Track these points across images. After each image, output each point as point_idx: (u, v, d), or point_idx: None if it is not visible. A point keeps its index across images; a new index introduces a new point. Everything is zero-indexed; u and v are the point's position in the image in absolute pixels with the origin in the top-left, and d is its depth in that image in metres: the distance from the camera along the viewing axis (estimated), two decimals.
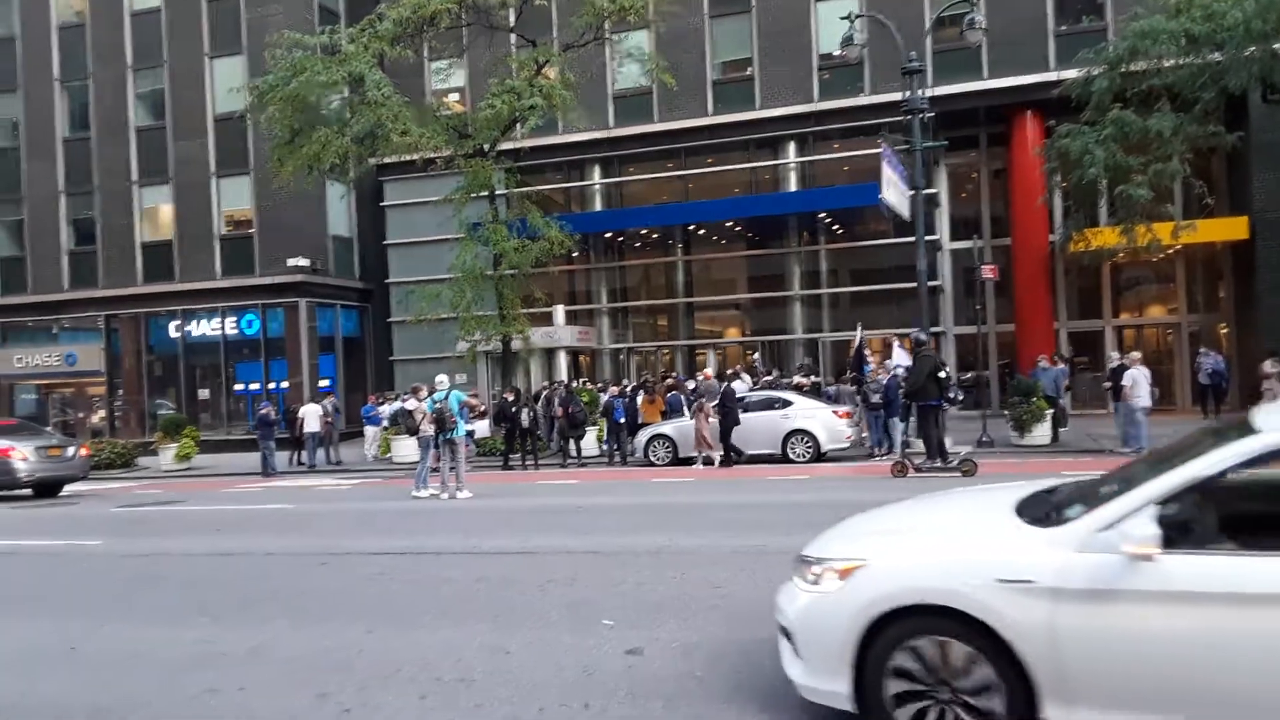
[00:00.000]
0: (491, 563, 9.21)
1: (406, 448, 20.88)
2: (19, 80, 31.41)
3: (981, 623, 3.78)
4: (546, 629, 6.46)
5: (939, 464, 14.25)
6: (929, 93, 19.15)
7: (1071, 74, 19.95)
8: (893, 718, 3.97)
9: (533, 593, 7.65)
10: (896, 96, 18.57)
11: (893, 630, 3.99)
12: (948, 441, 15.65)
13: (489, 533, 11.08)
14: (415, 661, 5.86)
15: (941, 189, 25.43)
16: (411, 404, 16.32)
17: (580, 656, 5.77)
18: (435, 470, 15.49)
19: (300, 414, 22.70)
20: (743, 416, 18.18)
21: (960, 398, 15.87)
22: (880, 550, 4.30)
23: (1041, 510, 4.26)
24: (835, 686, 4.12)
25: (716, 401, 17.85)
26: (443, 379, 15.74)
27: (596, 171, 28.19)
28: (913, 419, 16.21)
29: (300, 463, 22.64)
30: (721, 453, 17.72)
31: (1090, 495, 4.15)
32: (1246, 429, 3.87)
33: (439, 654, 5.99)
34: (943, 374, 14.68)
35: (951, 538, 4.31)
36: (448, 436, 15.11)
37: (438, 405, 15.14)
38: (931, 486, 13.25)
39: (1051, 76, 22.19)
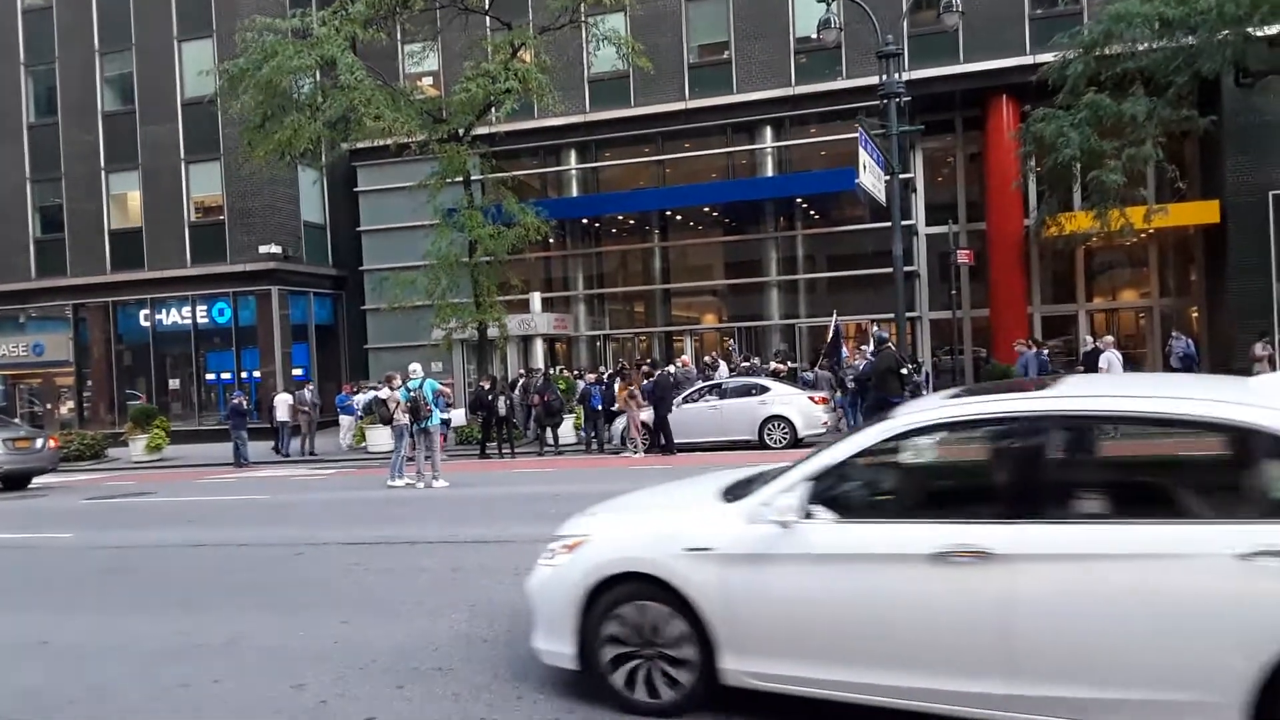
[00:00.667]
0: (468, 551, 9.13)
1: (381, 437, 20.69)
2: None
3: (673, 586, 4.38)
4: (524, 618, 6.40)
5: None
6: (905, 77, 19.17)
7: (1047, 58, 20.00)
8: (610, 675, 4.56)
9: (509, 580, 7.59)
10: (873, 80, 18.57)
11: (607, 596, 4.57)
12: None
13: (466, 521, 11.00)
14: (391, 651, 5.79)
15: (917, 174, 25.46)
16: (385, 393, 16.17)
17: None
18: (411, 459, 15.37)
19: (274, 403, 22.51)
20: (720, 403, 18.18)
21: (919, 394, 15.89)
22: (601, 526, 4.93)
23: (740, 491, 4.73)
24: (563, 648, 4.71)
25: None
26: (416, 367, 15.59)
27: (573, 156, 27.99)
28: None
29: (277, 451, 22.48)
30: (648, 441, 18.08)
31: (775, 475, 4.61)
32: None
33: (416, 644, 5.92)
34: (904, 370, 14.78)
35: (659, 515, 5.01)
36: (422, 425, 14.99)
37: (412, 394, 15.01)
38: None
39: (1027, 60, 22.25)
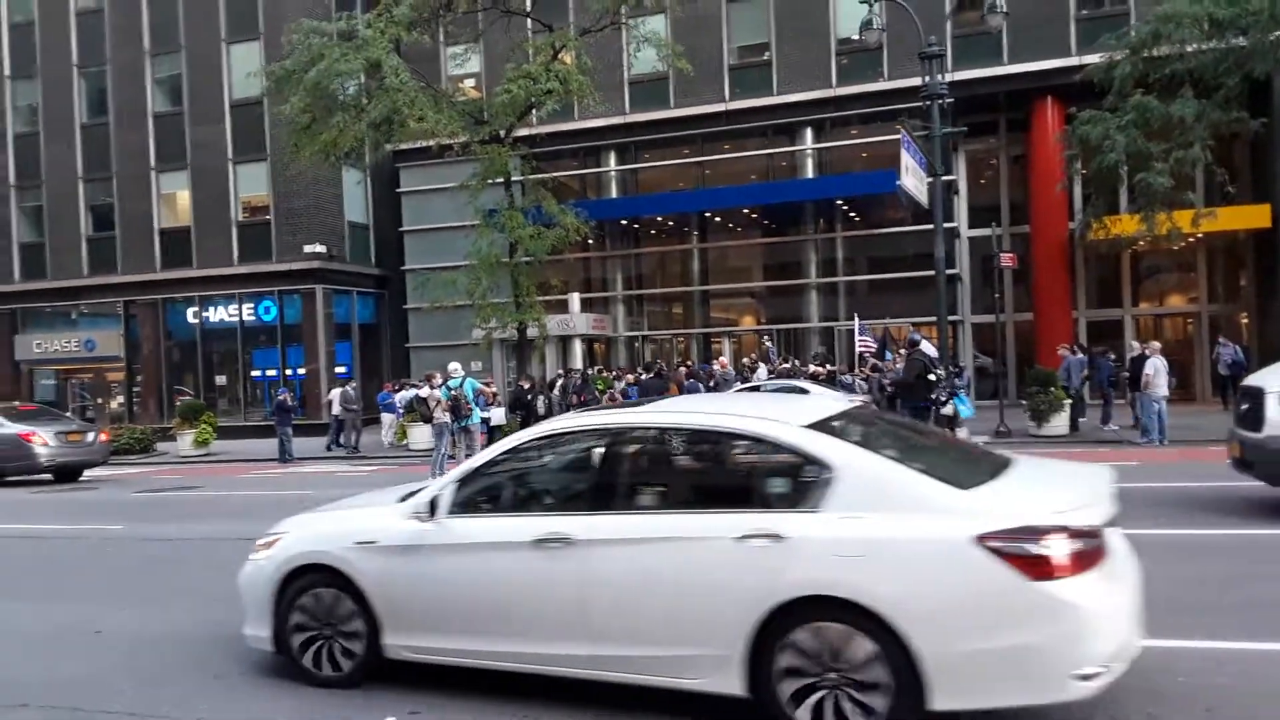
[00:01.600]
0: None
1: (422, 434, 20.93)
2: (38, 66, 31.55)
3: (345, 573, 5.14)
4: None
5: None
6: (949, 78, 18.99)
7: (1093, 59, 19.72)
8: (300, 656, 5.29)
9: None
10: (916, 82, 18.41)
11: (296, 585, 5.31)
12: (964, 432, 15.59)
13: None
14: None
15: (960, 176, 25.23)
16: (426, 391, 16.35)
17: None
18: (453, 457, 15.53)
19: (328, 397, 22.89)
20: None
21: (944, 400, 15.58)
22: (295, 525, 5.69)
23: (414, 494, 5.37)
24: (261, 632, 5.44)
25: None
26: (456, 366, 15.76)
27: (612, 158, 28.10)
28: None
29: (340, 444, 22.84)
30: None
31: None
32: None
33: None
34: (933, 376, 14.64)
35: (342, 514, 5.75)
36: (463, 424, 15.15)
37: (453, 393, 15.17)
38: None
39: (1073, 61, 21.95)
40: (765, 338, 27.04)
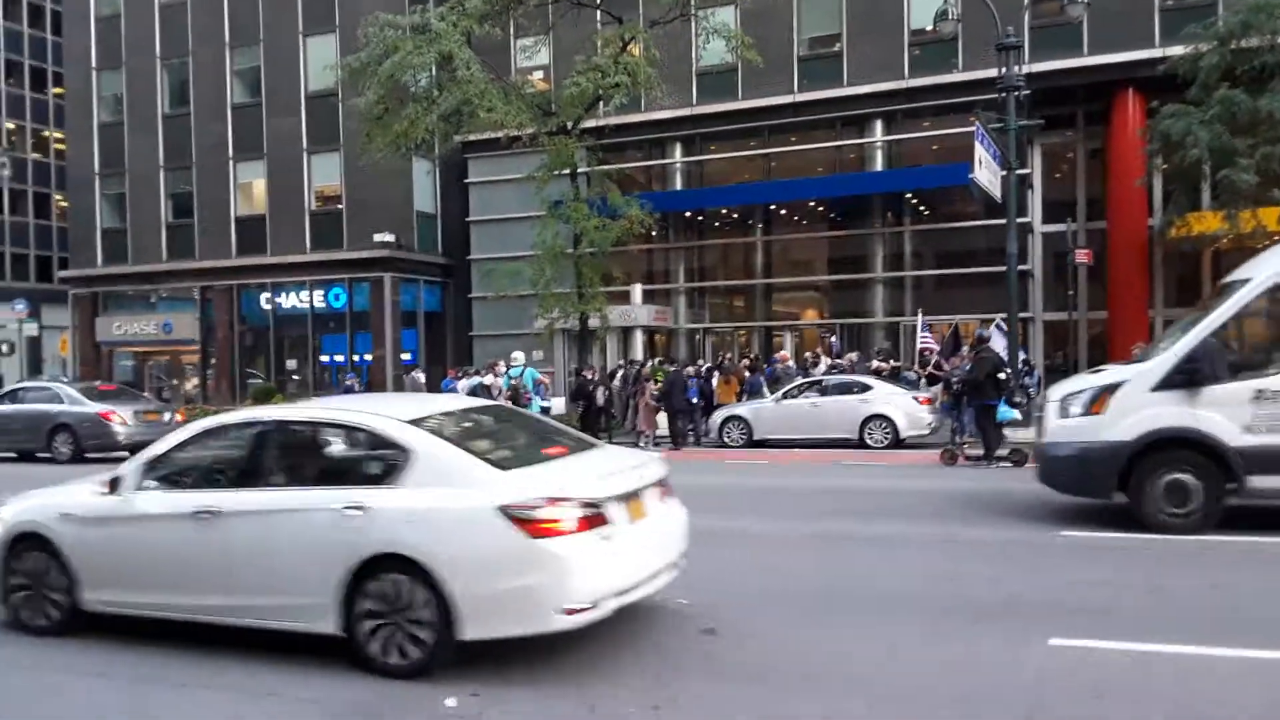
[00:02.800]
0: None
1: None
2: (123, 57, 32.60)
3: (48, 539, 6.09)
4: None
5: (989, 462, 14.00)
6: (1025, 69, 18.56)
7: (1178, 50, 19.08)
8: (15, 608, 6.28)
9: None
10: (991, 73, 18.04)
11: (15, 550, 6.26)
12: (1033, 431, 15.23)
13: None
14: None
15: (1035, 170, 24.61)
16: (489, 379, 16.52)
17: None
18: None
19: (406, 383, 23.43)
20: (820, 400, 17.96)
21: (1020, 401, 15.35)
22: (14, 504, 6.57)
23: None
24: None
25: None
26: (519, 355, 15.88)
27: (678, 150, 28.02)
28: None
29: None
30: (655, 435, 18.87)
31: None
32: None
33: None
34: (1002, 375, 14.32)
35: (54, 491, 6.61)
36: None
37: (513, 381, 15.31)
38: (970, 475, 12.94)
39: (1156, 53, 21.24)
40: (829, 332, 26.73)
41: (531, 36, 26.07)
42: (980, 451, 14.31)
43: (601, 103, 21.55)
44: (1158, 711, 4.36)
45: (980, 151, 15.95)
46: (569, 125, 21.57)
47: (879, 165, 25.89)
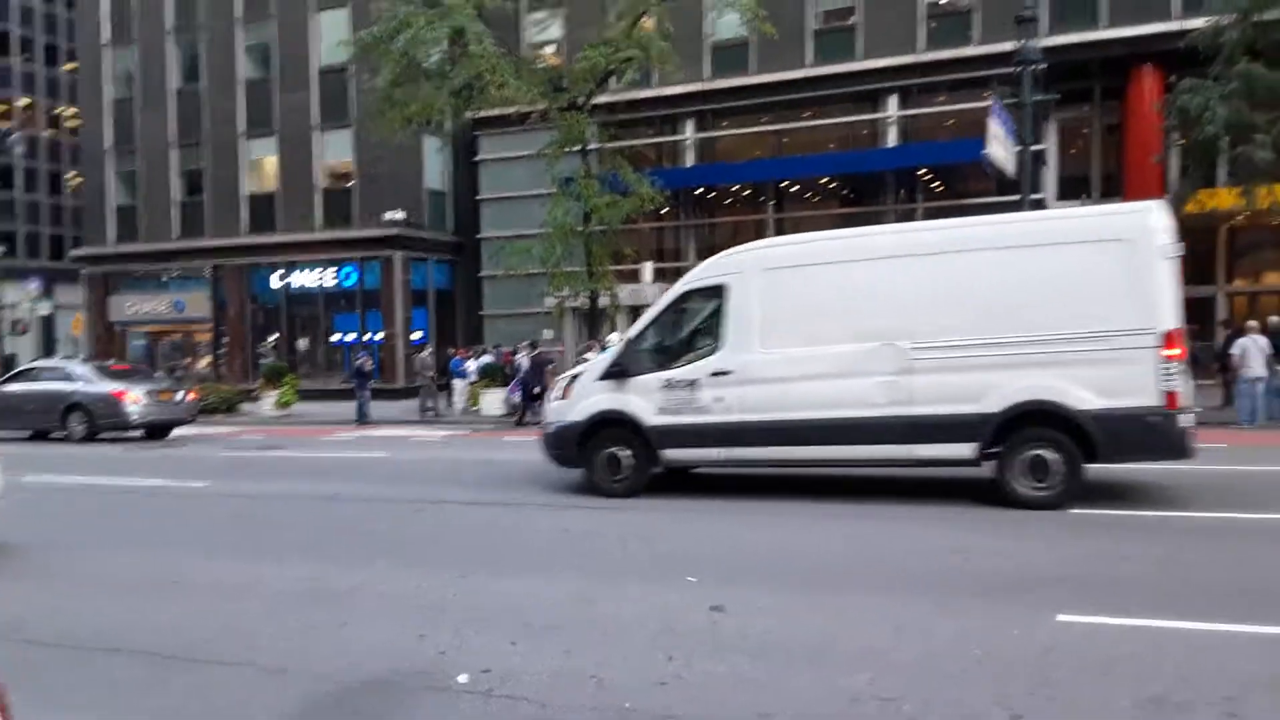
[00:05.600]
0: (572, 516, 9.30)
1: (494, 400, 21.28)
2: (134, 33, 32.50)
3: None
4: (633, 583, 6.48)
5: None
6: (1042, 43, 18.29)
7: (1197, 24, 18.76)
8: None
9: (613, 542, 7.69)
10: (1007, 47, 17.78)
11: None
12: None
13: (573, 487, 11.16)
14: (505, 608, 5.93)
15: (1050, 145, 24.32)
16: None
17: (658, 609, 5.75)
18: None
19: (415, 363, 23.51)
20: None
21: None
22: None
23: None
24: None
25: None
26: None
27: (690, 126, 27.80)
28: None
29: (428, 409, 23.00)
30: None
31: None
32: None
33: (528, 602, 6.05)
34: None
35: None
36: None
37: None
38: None
39: (1175, 26, 20.94)
40: None
41: (544, 10, 25.84)
42: None
43: (613, 77, 21.37)
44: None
45: (995, 127, 15.76)
46: (580, 101, 21.41)
47: (892, 141, 25.65)
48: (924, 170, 25.76)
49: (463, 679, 4.68)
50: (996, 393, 8.50)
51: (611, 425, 10.05)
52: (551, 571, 6.83)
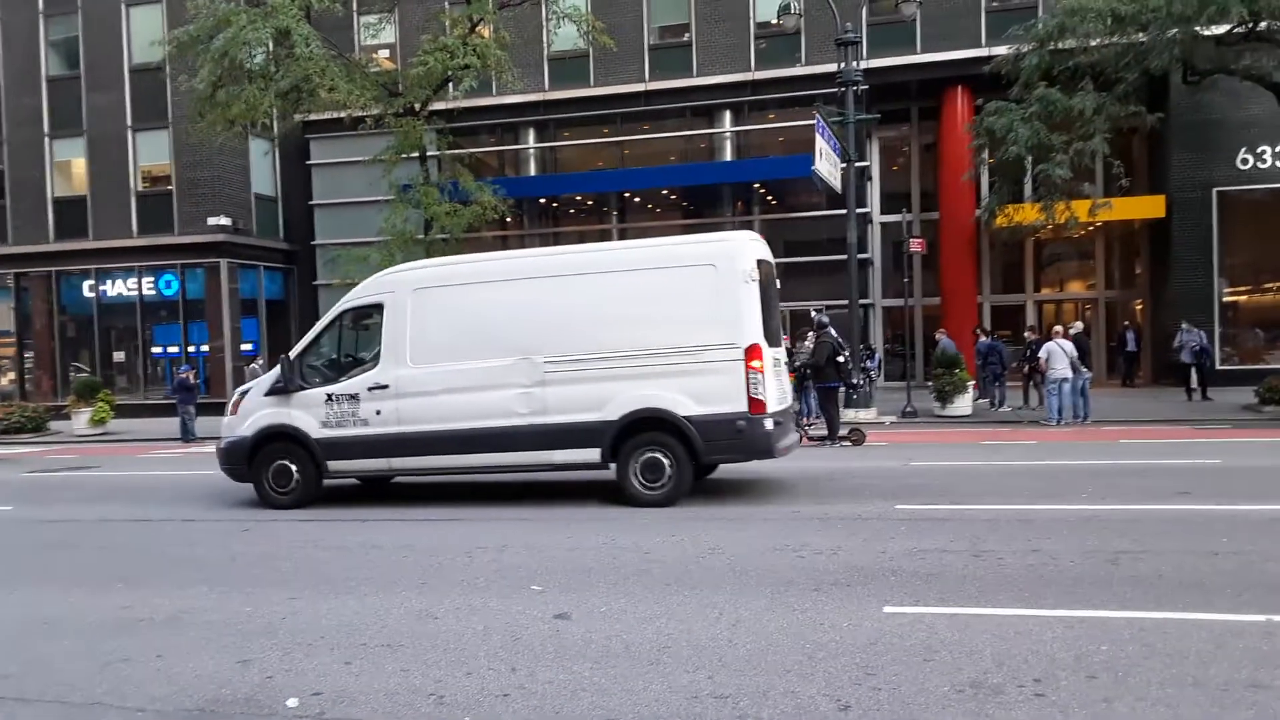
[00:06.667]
0: (423, 530, 9.13)
1: None
2: None
3: None
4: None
5: (831, 442, 14.84)
6: (863, 65, 19.30)
7: (1002, 50, 20.25)
8: None
9: (461, 560, 7.61)
10: (832, 67, 18.66)
11: None
12: (873, 412, 16.19)
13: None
14: (339, 628, 5.78)
15: (873, 162, 25.69)
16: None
17: (504, 618, 5.74)
18: None
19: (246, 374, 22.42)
20: None
21: (859, 383, 16.80)
22: None
23: None
24: None
25: None
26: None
27: (531, 135, 27.79)
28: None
29: None
30: None
31: None
32: None
33: (364, 621, 5.91)
34: (841, 358, 15.10)
35: None
36: None
37: None
38: (816, 455, 13.60)
39: (983, 52, 22.54)
40: None
41: (375, 14, 25.26)
42: (824, 432, 14.99)
43: (451, 84, 21.13)
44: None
45: (821, 144, 16.51)
46: (416, 106, 21.06)
47: (728, 155, 26.46)
48: (758, 184, 26.67)
49: (292, 703, 4.54)
50: (615, 402, 9.45)
51: (279, 439, 10.36)
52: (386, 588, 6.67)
